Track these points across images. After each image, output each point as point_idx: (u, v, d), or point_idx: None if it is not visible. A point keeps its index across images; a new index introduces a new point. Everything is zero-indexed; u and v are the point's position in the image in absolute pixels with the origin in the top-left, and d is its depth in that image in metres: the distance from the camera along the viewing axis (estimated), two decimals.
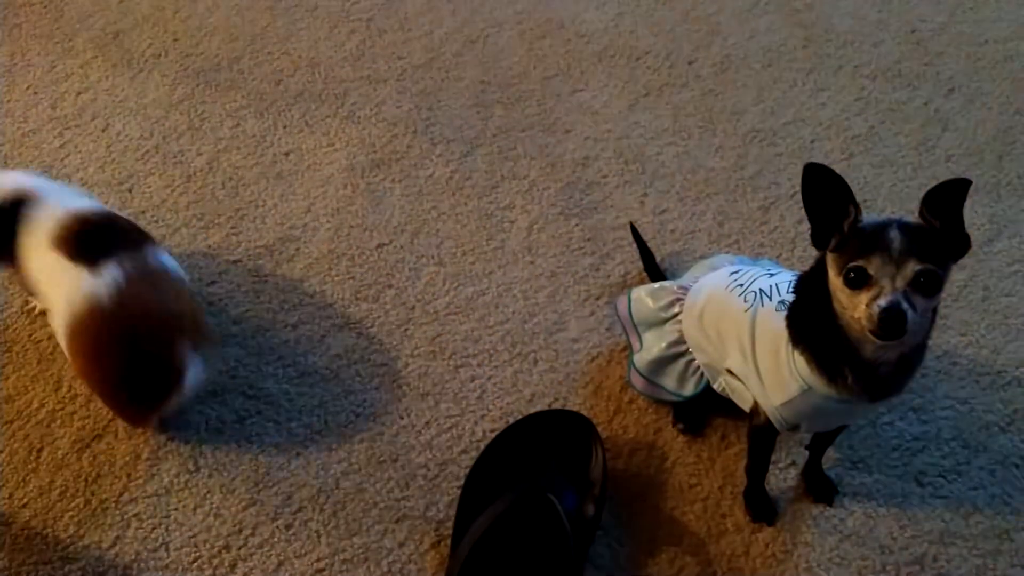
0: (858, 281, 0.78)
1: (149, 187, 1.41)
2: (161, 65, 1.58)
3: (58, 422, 1.14)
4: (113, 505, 1.06)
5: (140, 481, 1.08)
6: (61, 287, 1.05)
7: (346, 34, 1.63)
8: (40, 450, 1.11)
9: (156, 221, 1.37)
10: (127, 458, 1.10)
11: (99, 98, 1.53)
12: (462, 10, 1.69)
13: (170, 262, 1.10)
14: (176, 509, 1.06)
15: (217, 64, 1.58)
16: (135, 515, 1.05)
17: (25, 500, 1.07)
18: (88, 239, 1.06)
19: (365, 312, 1.28)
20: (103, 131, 1.48)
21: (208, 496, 1.07)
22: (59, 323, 1.06)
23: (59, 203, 1.09)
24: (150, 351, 1.03)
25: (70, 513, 1.06)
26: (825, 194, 0.81)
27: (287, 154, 1.46)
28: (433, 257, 1.34)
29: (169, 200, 1.39)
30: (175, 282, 1.09)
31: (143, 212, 1.38)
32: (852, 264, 0.79)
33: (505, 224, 1.38)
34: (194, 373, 1.06)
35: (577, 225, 1.39)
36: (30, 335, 1.21)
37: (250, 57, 1.59)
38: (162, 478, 1.08)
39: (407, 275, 1.32)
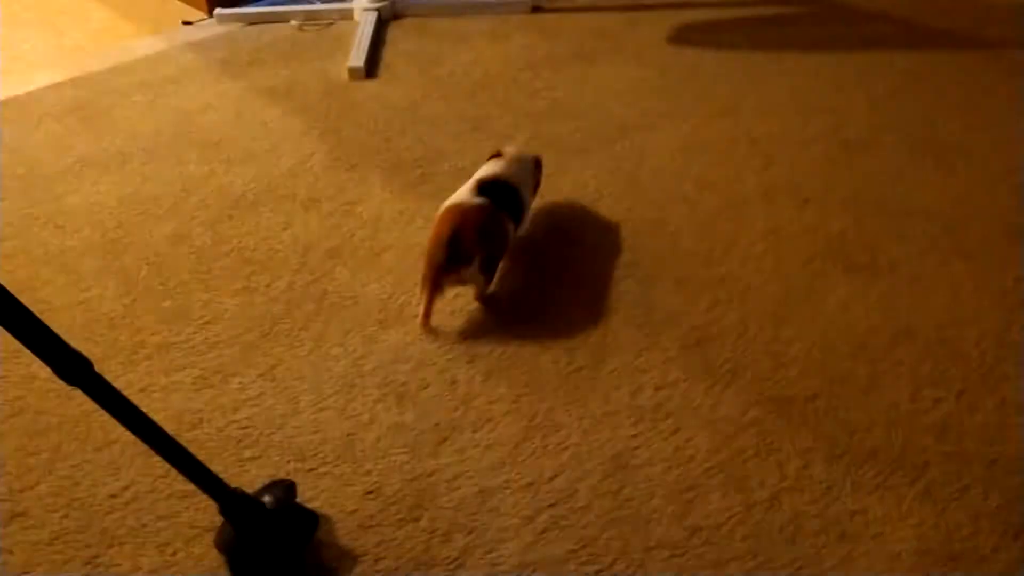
0: None
1: (708, 504, 1.38)
2: (737, 382, 1.58)
3: None
4: None
5: None
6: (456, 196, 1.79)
7: (931, 401, 1.53)
8: None
9: (705, 542, 1.32)
10: None
11: (674, 399, 1.55)
12: None
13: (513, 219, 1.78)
14: None
15: (792, 396, 1.55)
16: None
17: None
18: (488, 185, 1.78)
19: None
20: (673, 433, 1.49)
21: None
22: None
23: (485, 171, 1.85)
24: (461, 237, 1.65)
25: None
26: None
27: (852, 514, 1.36)
28: None
29: (725, 524, 1.35)
30: (506, 226, 1.75)
31: (696, 529, 1.34)
32: None
33: None
34: (474, 269, 1.66)
35: None
36: None
37: (827, 399, 1.54)
38: None
39: None
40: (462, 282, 1.69)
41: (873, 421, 1.49)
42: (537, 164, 1.94)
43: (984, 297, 1.74)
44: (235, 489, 1.24)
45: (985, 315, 1.70)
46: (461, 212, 1.70)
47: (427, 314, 1.69)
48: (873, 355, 1.61)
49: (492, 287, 1.76)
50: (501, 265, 1.76)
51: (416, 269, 1.80)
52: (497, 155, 1.90)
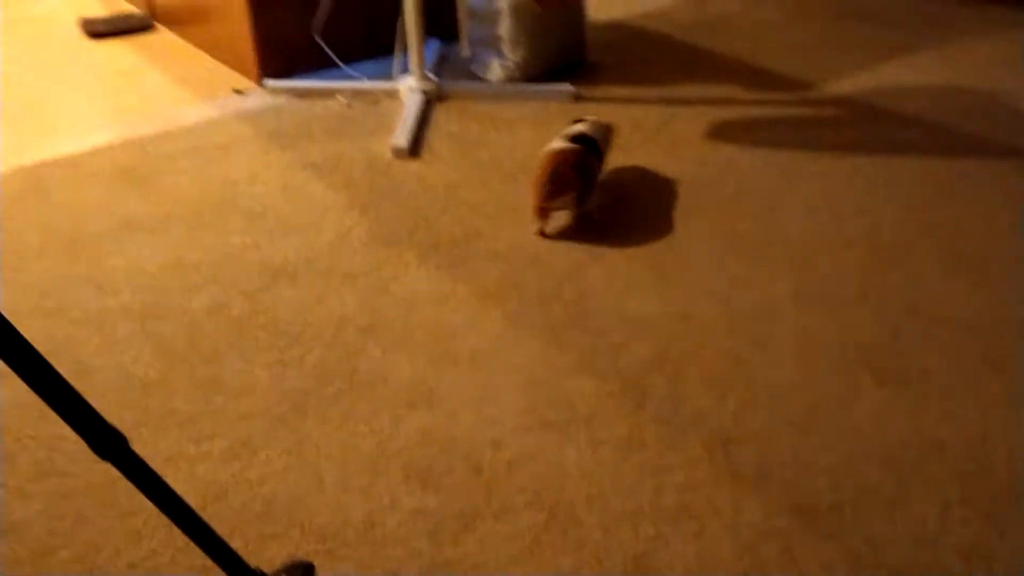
0: None
1: None
2: (762, 488, 1.56)
3: None
4: None
5: None
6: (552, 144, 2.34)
7: (959, 521, 1.50)
8: None
9: None
10: None
11: (698, 501, 1.54)
12: None
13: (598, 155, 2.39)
14: None
15: (817, 506, 1.53)
16: None
17: None
18: (576, 137, 2.35)
19: None
20: (695, 536, 1.47)
21: None
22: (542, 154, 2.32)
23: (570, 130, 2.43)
24: (560, 175, 2.21)
25: None
26: None
27: None
28: None
29: None
30: (594, 164, 2.32)
31: None
32: None
33: None
34: (572, 195, 2.21)
35: None
36: None
37: (852, 510, 1.52)
38: None
39: None
40: (562, 206, 2.22)
41: (899, 537, 1.47)
42: (609, 128, 2.52)
43: (1015, 413, 1.72)
44: (255, 568, 1.24)
45: (1015, 432, 1.68)
46: (562, 151, 2.25)
47: (542, 229, 2.26)
48: (901, 468, 1.60)
49: (583, 208, 2.30)
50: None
51: (448, 351, 1.84)
52: (578, 121, 2.49)
